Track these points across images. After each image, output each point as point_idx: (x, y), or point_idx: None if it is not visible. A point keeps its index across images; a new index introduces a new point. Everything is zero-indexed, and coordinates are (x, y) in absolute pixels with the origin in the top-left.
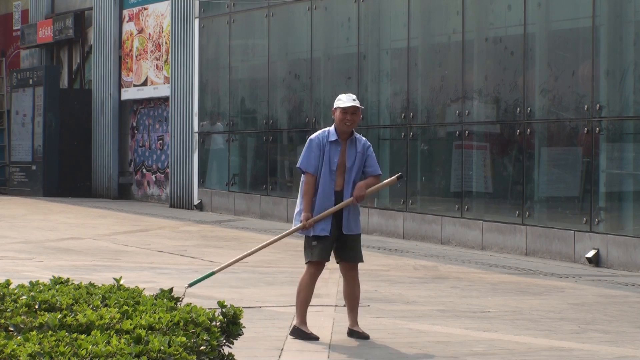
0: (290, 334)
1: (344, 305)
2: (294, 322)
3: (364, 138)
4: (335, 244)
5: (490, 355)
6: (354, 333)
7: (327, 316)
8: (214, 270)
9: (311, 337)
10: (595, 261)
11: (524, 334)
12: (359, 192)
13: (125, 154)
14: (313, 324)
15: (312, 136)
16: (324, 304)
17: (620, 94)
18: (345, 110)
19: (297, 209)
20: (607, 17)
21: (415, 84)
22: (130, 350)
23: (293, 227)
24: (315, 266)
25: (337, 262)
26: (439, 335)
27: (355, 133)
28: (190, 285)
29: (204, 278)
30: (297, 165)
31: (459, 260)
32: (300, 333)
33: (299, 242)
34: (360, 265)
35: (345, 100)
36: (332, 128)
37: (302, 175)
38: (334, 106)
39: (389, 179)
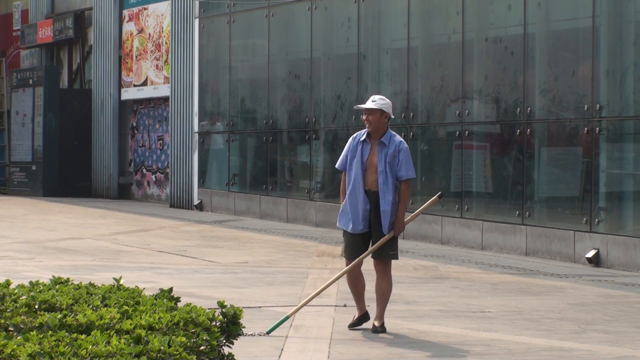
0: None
1: (344, 305)
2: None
3: (399, 139)
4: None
5: (490, 355)
6: (372, 326)
7: (327, 316)
8: (288, 314)
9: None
10: (595, 261)
11: (524, 334)
12: (399, 227)
13: (125, 154)
14: (313, 324)
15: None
16: (324, 304)
17: (620, 94)
18: (363, 112)
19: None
20: (607, 17)
21: (415, 84)
22: (130, 350)
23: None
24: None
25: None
26: (439, 335)
27: (392, 134)
28: (269, 332)
29: (281, 322)
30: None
31: (459, 260)
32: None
33: (299, 242)
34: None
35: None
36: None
37: None
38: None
39: (430, 200)
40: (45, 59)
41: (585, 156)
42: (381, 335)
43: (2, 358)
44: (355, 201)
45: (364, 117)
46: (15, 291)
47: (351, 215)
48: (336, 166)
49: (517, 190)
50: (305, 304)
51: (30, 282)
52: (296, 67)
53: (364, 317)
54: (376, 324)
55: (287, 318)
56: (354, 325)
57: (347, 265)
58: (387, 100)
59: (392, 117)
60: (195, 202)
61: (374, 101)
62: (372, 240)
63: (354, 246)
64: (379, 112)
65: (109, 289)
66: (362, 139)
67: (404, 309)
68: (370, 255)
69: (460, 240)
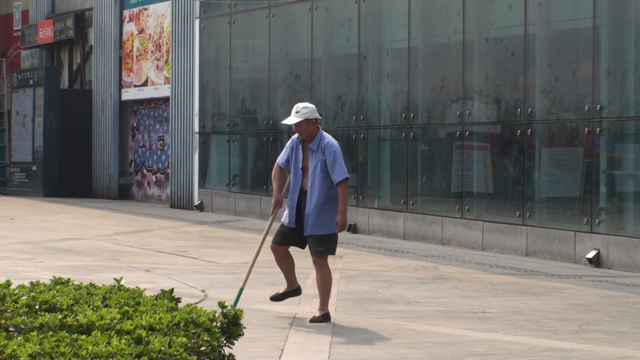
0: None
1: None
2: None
3: (329, 141)
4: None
5: (490, 356)
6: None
7: None
8: (242, 286)
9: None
10: (596, 262)
11: (525, 335)
12: (341, 225)
13: (126, 154)
14: (313, 325)
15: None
16: None
17: (621, 95)
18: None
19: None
20: (608, 18)
21: (416, 85)
22: (131, 351)
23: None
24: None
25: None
26: (439, 336)
27: (322, 137)
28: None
29: (238, 296)
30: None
31: (460, 261)
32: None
33: None
34: (360, 265)
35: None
36: None
37: None
38: None
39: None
40: (45, 59)
41: (585, 157)
42: (381, 335)
43: (3, 358)
44: (291, 200)
45: (295, 129)
46: (16, 291)
47: (288, 210)
48: (277, 161)
49: (517, 190)
50: (248, 275)
51: (31, 283)
52: (297, 67)
53: (292, 291)
54: (316, 314)
55: (242, 290)
56: (276, 299)
57: (272, 249)
58: (310, 105)
59: (320, 117)
60: (196, 202)
61: (298, 112)
62: (301, 234)
63: (283, 236)
64: (305, 122)
65: (110, 289)
66: (298, 141)
67: (405, 309)
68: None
69: (460, 241)
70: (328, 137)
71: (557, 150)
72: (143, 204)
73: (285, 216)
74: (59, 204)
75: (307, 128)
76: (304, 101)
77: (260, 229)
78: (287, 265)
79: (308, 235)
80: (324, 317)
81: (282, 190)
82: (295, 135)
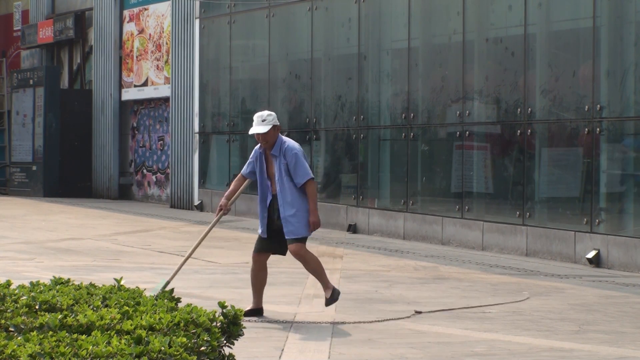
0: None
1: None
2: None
3: (288, 145)
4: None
5: (490, 356)
6: (325, 300)
7: (327, 317)
8: (168, 279)
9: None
10: (596, 262)
11: (525, 335)
12: (314, 224)
13: (126, 154)
14: (313, 325)
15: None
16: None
17: (621, 95)
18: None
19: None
20: (608, 18)
21: (416, 85)
22: (131, 351)
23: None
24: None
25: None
26: (439, 336)
27: (282, 141)
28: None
29: (163, 287)
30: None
31: (460, 261)
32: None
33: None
34: (360, 265)
35: (254, 122)
36: None
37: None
38: None
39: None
40: (45, 59)
41: (585, 157)
42: (381, 335)
43: (3, 358)
44: (261, 210)
45: (258, 139)
46: (16, 291)
47: (259, 221)
48: (242, 172)
49: (517, 190)
50: (181, 266)
51: (31, 283)
52: (297, 67)
53: (256, 310)
54: (326, 297)
55: (167, 282)
56: (246, 315)
57: (253, 258)
58: (272, 112)
59: (278, 124)
60: (196, 202)
61: (264, 120)
62: (276, 238)
63: (263, 244)
64: (272, 129)
65: (110, 289)
66: (261, 150)
67: (405, 309)
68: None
69: (460, 241)
70: (288, 141)
71: (557, 150)
72: (143, 204)
73: (259, 227)
74: (59, 204)
75: (274, 135)
76: (304, 101)
77: None
78: (260, 278)
79: (288, 238)
80: (333, 294)
81: (231, 198)
82: (258, 146)
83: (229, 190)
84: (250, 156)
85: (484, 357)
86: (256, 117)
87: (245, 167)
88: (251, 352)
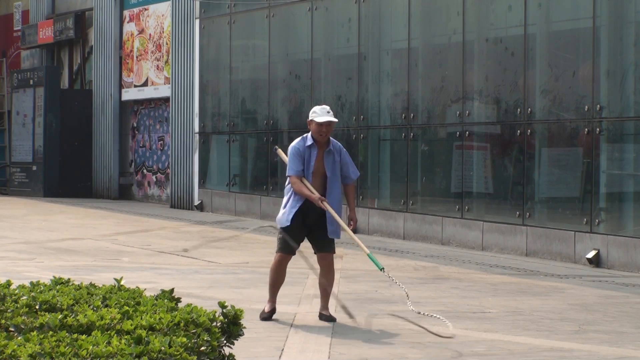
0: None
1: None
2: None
3: (338, 143)
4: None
5: (490, 356)
6: (322, 316)
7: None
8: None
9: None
10: (596, 262)
11: (525, 335)
12: (353, 218)
13: (126, 154)
14: (313, 325)
15: (294, 143)
16: None
17: (621, 95)
18: (321, 124)
19: (283, 209)
20: (608, 18)
21: (416, 85)
22: (131, 351)
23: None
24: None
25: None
26: (439, 336)
27: (331, 139)
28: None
29: (374, 262)
30: (287, 174)
31: (460, 261)
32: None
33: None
34: (360, 265)
35: (319, 113)
36: (309, 135)
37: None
38: (310, 118)
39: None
40: (45, 59)
41: (585, 157)
42: (381, 335)
43: (3, 358)
44: (298, 200)
45: (324, 129)
46: (16, 291)
47: (288, 209)
48: (290, 173)
49: (517, 190)
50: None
51: (31, 283)
52: (297, 67)
53: (274, 311)
54: (325, 313)
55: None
56: (267, 319)
57: (281, 260)
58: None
59: None
60: (196, 202)
61: (329, 112)
62: (312, 238)
63: (289, 244)
64: (334, 124)
65: (110, 289)
66: (310, 144)
67: (405, 309)
68: (315, 251)
69: (460, 241)
70: (330, 139)
71: (557, 150)
72: (143, 204)
73: (285, 220)
74: (59, 204)
75: (332, 129)
76: (304, 101)
77: (260, 229)
78: (282, 279)
79: (330, 238)
80: (331, 316)
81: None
82: (297, 142)
83: (306, 190)
84: (294, 154)
85: (484, 357)
86: (320, 109)
87: (296, 165)
88: (251, 352)
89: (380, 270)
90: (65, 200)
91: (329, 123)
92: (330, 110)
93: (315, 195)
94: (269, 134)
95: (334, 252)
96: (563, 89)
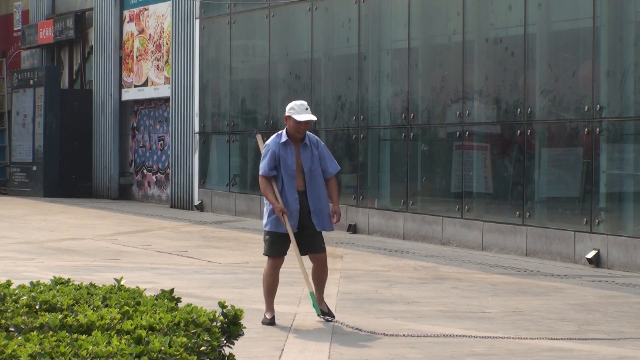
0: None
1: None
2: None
3: (314, 136)
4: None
5: (490, 356)
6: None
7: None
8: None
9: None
10: (596, 262)
11: (525, 335)
12: (339, 211)
13: (126, 154)
14: (313, 325)
15: (268, 142)
16: None
17: (621, 95)
18: (299, 122)
19: (267, 208)
20: (608, 18)
21: (416, 85)
22: (131, 351)
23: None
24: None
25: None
26: (439, 336)
27: (307, 133)
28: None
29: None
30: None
31: (460, 261)
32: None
33: None
34: (360, 265)
35: (298, 110)
36: (284, 132)
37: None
38: (287, 113)
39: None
40: (45, 59)
41: (585, 157)
42: (381, 335)
43: (3, 358)
44: (293, 202)
45: (302, 126)
46: (16, 291)
47: (290, 215)
48: (260, 173)
49: (517, 190)
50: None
51: (31, 283)
52: (297, 67)
53: (274, 317)
54: (324, 309)
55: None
56: (270, 324)
57: (274, 263)
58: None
59: None
60: (196, 202)
61: (307, 109)
62: (300, 236)
63: (282, 246)
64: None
65: (110, 289)
66: (284, 140)
67: (405, 309)
68: (308, 250)
69: (460, 241)
70: (307, 132)
71: (557, 150)
72: (143, 204)
73: (276, 225)
74: (59, 204)
75: (310, 127)
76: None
77: (261, 229)
78: (277, 284)
79: (319, 231)
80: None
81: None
82: (272, 140)
83: (271, 196)
84: (268, 154)
85: (484, 357)
86: (298, 105)
87: (266, 165)
88: (251, 352)
89: (318, 315)
90: (65, 200)
91: (308, 122)
92: (309, 107)
93: (279, 205)
94: (269, 134)
95: (325, 251)
96: (563, 89)
